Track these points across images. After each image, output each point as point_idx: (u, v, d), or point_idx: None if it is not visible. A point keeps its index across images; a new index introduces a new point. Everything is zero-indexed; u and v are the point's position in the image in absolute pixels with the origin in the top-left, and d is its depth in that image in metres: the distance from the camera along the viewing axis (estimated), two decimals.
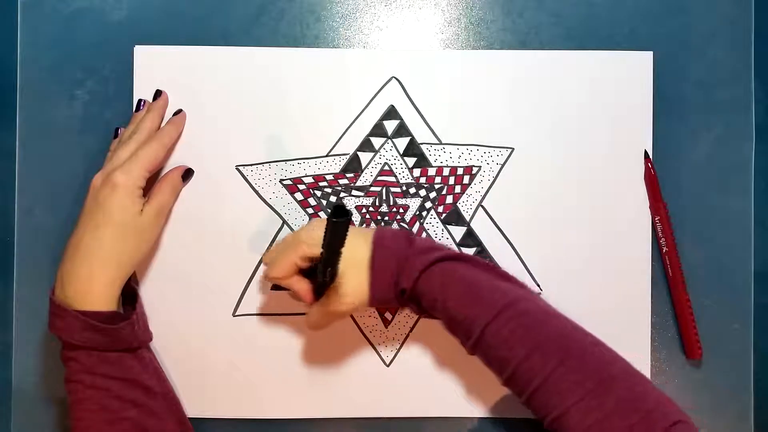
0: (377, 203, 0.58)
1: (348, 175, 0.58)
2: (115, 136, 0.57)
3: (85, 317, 0.48)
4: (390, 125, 0.58)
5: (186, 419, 0.55)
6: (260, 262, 0.58)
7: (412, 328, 0.58)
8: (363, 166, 0.58)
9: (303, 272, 0.52)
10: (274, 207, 0.58)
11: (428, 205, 0.58)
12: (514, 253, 0.58)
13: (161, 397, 0.52)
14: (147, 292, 0.57)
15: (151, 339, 0.55)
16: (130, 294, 0.55)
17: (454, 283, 0.49)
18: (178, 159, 0.57)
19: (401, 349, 0.58)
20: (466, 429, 0.58)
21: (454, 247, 0.58)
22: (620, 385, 0.46)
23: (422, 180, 0.58)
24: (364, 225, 0.58)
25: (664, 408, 0.46)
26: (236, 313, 0.58)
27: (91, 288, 0.50)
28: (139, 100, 0.57)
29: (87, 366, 0.49)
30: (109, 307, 0.50)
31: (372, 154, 0.58)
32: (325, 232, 0.45)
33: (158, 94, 0.57)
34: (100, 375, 0.49)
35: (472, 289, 0.49)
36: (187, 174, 0.57)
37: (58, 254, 0.57)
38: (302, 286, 0.52)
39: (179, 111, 0.57)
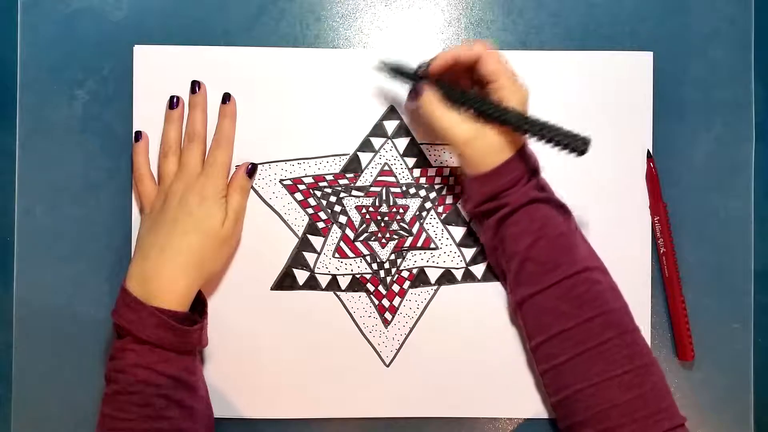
0: (377, 203, 0.58)
1: (348, 175, 0.58)
2: (137, 139, 0.57)
3: (162, 315, 0.49)
4: (390, 125, 0.58)
5: (213, 425, 0.55)
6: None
7: (412, 328, 0.58)
8: (363, 166, 0.58)
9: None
10: (274, 207, 0.58)
11: (428, 205, 0.58)
12: None
13: (202, 402, 0.53)
14: None
15: (207, 344, 0.55)
16: (196, 300, 0.54)
17: (553, 225, 0.51)
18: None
19: (401, 349, 0.58)
20: (466, 429, 0.58)
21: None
22: (656, 372, 0.50)
23: (422, 180, 0.58)
24: (364, 225, 0.58)
25: (675, 407, 0.49)
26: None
27: (174, 289, 0.51)
28: (172, 97, 0.57)
29: (147, 361, 0.49)
30: (184, 309, 0.51)
31: (372, 154, 0.58)
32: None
33: (195, 86, 0.57)
34: (157, 372, 0.49)
35: (569, 240, 0.52)
36: (253, 170, 0.57)
37: (58, 254, 0.58)
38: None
39: (227, 97, 0.57)
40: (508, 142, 0.51)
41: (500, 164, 0.51)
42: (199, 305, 0.54)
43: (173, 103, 0.57)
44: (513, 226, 0.52)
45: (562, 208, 0.53)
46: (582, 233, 0.54)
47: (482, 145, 0.50)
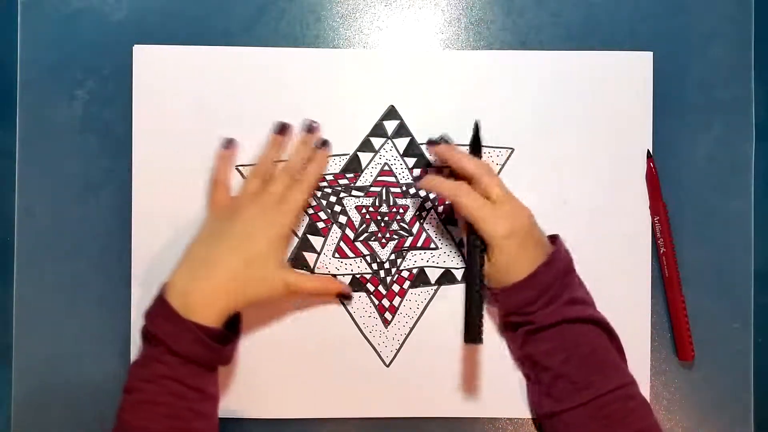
0: (377, 203, 0.58)
1: (348, 175, 0.58)
2: (226, 147, 0.57)
3: (201, 332, 0.48)
4: (390, 125, 0.58)
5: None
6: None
7: (412, 328, 0.58)
8: (363, 166, 0.58)
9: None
10: None
11: (428, 205, 0.58)
12: None
13: (218, 410, 0.53)
14: (152, 289, 0.55)
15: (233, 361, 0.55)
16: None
17: (586, 342, 0.51)
18: (177, 160, 0.57)
19: (401, 349, 0.58)
20: (466, 429, 0.58)
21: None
22: None
23: None
24: (364, 225, 0.58)
25: None
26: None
27: (213, 306, 0.50)
28: (283, 124, 0.57)
29: (178, 374, 0.48)
30: (219, 326, 0.51)
31: (372, 154, 0.58)
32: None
33: (311, 127, 0.57)
34: (187, 386, 0.49)
35: (603, 355, 0.52)
36: (343, 296, 0.57)
37: (58, 254, 0.58)
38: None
39: (324, 143, 0.57)
40: (541, 252, 0.52)
41: (526, 277, 0.51)
42: (232, 321, 0.53)
43: (281, 129, 0.57)
44: (542, 343, 0.52)
45: (596, 321, 0.52)
46: (619, 342, 0.53)
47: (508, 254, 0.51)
